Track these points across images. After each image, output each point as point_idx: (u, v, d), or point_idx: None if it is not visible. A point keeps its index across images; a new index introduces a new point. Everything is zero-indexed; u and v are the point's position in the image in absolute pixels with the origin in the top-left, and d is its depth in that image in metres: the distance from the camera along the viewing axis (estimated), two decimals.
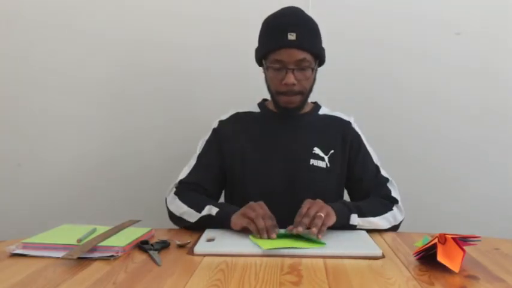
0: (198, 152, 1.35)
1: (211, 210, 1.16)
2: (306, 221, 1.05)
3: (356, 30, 1.73)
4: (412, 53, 1.73)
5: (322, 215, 1.06)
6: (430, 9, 1.72)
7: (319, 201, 1.12)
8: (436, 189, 1.76)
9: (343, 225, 1.14)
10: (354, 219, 1.16)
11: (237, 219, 1.11)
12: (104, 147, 1.79)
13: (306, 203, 1.10)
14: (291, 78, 1.22)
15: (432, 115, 1.75)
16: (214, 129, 1.37)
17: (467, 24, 1.71)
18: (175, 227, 1.23)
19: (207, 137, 1.37)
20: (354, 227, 1.16)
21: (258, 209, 1.09)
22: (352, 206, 1.18)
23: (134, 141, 1.79)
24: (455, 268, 0.86)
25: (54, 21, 1.75)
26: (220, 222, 1.14)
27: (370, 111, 1.71)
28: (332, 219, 1.10)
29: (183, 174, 1.31)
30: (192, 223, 1.18)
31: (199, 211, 1.17)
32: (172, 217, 1.24)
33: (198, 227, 1.16)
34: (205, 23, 1.74)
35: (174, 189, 1.28)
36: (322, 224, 1.05)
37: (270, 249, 0.98)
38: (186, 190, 1.27)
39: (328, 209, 1.11)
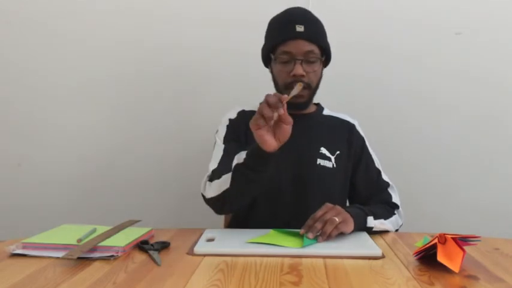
0: (221, 145, 1.29)
1: (239, 158, 1.09)
2: (319, 226, 1.04)
3: (355, 32, 1.73)
4: (411, 54, 1.73)
5: (337, 220, 1.05)
6: (430, 9, 1.72)
7: (338, 207, 1.09)
8: (436, 189, 1.76)
9: (361, 228, 1.13)
10: (371, 221, 1.16)
11: (259, 135, 1.02)
12: (104, 147, 1.79)
13: (324, 208, 1.08)
14: (299, 69, 1.22)
15: (432, 116, 1.75)
16: (228, 126, 1.33)
17: (467, 24, 1.71)
18: (176, 226, 1.23)
19: (223, 133, 1.32)
20: (370, 229, 1.16)
21: (264, 105, 1.01)
22: (366, 209, 1.17)
23: (134, 141, 1.79)
24: (455, 268, 0.86)
25: (55, 23, 1.76)
26: (254, 161, 1.07)
27: (369, 113, 1.71)
28: (350, 227, 1.08)
29: (212, 166, 1.24)
30: (229, 187, 1.11)
31: (228, 171, 1.12)
32: (216, 201, 1.18)
33: (239, 189, 1.12)
34: (207, 24, 1.74)
35: (207, 178, 1.22)
36: (335, 228, 1.04)
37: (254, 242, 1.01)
38: (217, 175, 1.20)
39: (346, 216, 1.08)
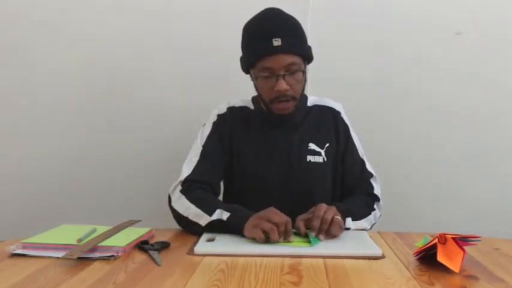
0: (200, 146, 1.30)
1: (222, 214, 1.11)
2: (325, 227, 1.05)
3: (355, 32, 1.73)
4: (411, 54, 1.73)
5: (340, 219, 1.07)
6: (430, 9, 1.72)
7: (332, 207, 1.10)
8: (436, 189, 1.76)
9: None
10: (349, 223, 1.17)
11: (250, 231, 1.05)
12: (105, 147, 1.79)
13: (321, 207, 1.08)
14: (282, 85, 1.19)
15: (432, 116, 1.75)
16: (214, 124, 1.33)
17: (467, 24, 1.71)
18: (176, 226, 1.23)
19: (207, 131, 1.32)
20: (347, 229, 1.16)
21: (274, 218, 1.03)
22: (346, 210, 1.18)
23: (135, 141, 1.79)
24: (455, 268, 0.86)
25: (56, 23, 1.76)
26: (231, 229, 1.09)
27: (369, 113, 1.71)
28: (343, 224, 1.12)
29: (187, 171, 1.25)
30: (202, 227, 1.12)
31: (210, 214, 1.12)
32: (178, 216, 1.19)
33: (207, 231, 1.12)
34: (198, 21, 1.73)
35: (180, 187, 1.22)
36: (340, 228, 1.07)
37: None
38: (192, 188, 1.21)
39: (340, 215, 1.10)
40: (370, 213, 1.25)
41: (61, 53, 1.76)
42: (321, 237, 1.04)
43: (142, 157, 1.79)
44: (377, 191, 1.32)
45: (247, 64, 1.25)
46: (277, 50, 1.18)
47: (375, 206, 1.29)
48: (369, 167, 1.34)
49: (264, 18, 1.23)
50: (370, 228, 1.25)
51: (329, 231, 1.06)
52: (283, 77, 1.19)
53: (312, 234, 1.04)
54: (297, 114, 1.29)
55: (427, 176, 1.76)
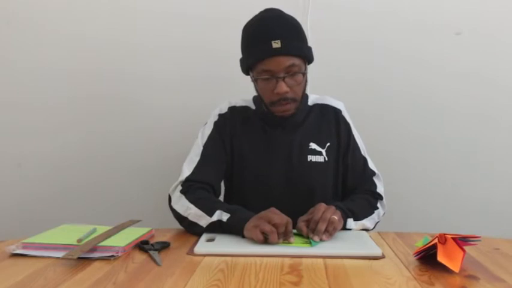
0: (200, 146, 1.30)
1: (221, 215, 1.11)
2: (323, 227, 1.04)
3: (355, 32, 1.73)
4: (411, 54, 1.73)
5: (336, 219, 1.06)
6: (430, 9, 1.72)
7: (331, 207, 1.10)
8: (436, 189, 1.76)
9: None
10: (350, 223, 1.17)
11: (250, 231, 1.04)
12: (105, 147, 1.79)
13: (320, 207, 1.08)
14: (283, 87, 1.18)
15: (432, 116, 1.75)
16: (215, 123, 1.32)
17: (467, 24, 1.71)
18: (176, 226, 1.23)
19: (208, 131, 1.32)
20: (348, 230, 1.17)
21: (274, 219, 1.02)
22: (347, 210, 1.18)
23: (135, 141, 1.79)
24: (455, 268, 0.86)
25: (52, 23, 1.76)
26: (231, 230, 1.09)
27: (369, 113, 1.71)
28: (341, 223, 1.11)
29: (187, 171, 1.25)
30: (202, 227, 1.12)
31: (210, 215, 1.12)
32: (178, 217, 1.19)
33: (208, 232, 1.12)
34: (198, 21, 1.74)
35: (180, 187, 1.22)
36: (334, 228, 1.06)
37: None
38: (193, 188, 1.21)
39: (339, 214, 1.10)
40: (373, 212, 1.25)
41: (61, 53, 1.76)
42: (324, 237, 1.04)
43: (142, 157, 1.79)
44: (380, 189, 1.31)
45: (247, 66, 1.25)
46: (277, 52, 1.17)
47: (378, 205, 1.28)
48: (371, 165, 1.34)
49: (263, 19, 1.23)
50: (374, 228, 1.25)
51: (328, 232, 1.05)
52: (283, 79, 1.19)
53: (315, 239, 1.04)
54: (298, 114, 1.29)
55: (427, 176, 1.76)
